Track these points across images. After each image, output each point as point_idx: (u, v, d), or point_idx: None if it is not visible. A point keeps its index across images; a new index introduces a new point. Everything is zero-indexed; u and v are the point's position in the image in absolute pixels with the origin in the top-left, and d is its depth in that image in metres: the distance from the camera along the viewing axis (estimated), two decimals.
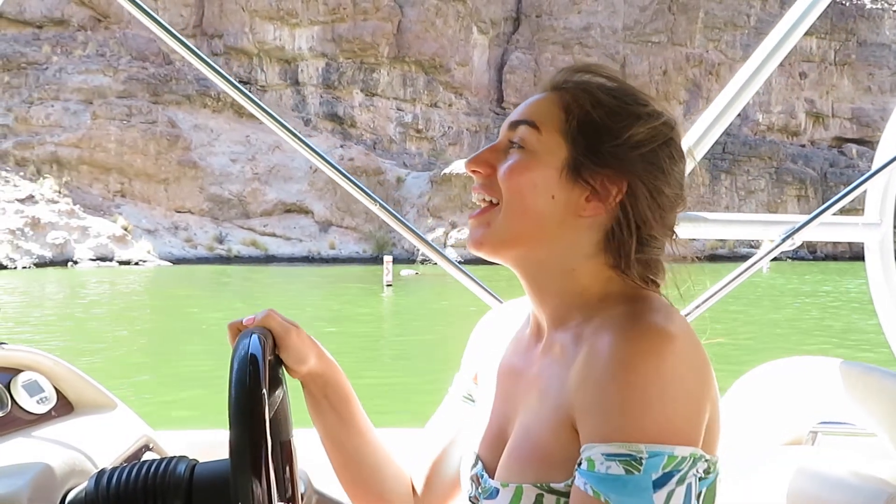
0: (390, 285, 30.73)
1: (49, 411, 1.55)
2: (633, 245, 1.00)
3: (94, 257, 46.98)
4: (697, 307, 1.98)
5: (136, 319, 21.47)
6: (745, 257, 2.13)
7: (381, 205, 1.96)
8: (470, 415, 1.21)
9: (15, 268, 42.85)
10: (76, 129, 53.08)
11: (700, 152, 1.95)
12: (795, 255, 51.23)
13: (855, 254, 46.68)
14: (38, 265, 44.12)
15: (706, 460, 0.89)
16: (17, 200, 47.58)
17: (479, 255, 1.06)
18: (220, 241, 53.23)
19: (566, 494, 0.91)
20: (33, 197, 48.50)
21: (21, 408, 1.48)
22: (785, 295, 30.11)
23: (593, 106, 1.01)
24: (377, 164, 58.27)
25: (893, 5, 75.74)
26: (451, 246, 49.30)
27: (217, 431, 1.80)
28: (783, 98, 73.20)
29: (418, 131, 65.84)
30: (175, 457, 1.04)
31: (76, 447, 1.37)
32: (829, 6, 2.03)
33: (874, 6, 75.31)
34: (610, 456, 0.84)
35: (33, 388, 1.54)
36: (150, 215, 52.83)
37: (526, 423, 1.00)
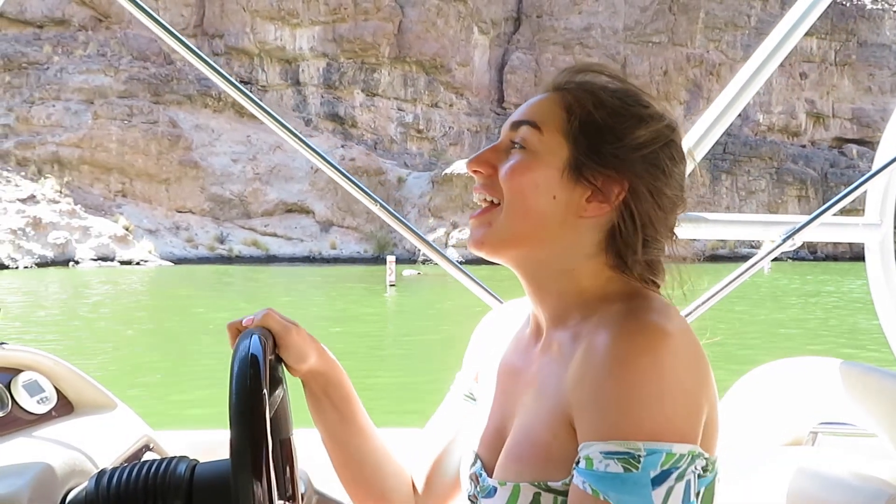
0: (394, 285, 30.76)
1: (49, 411, 1.55)
2: (633, 246, 1.01)
3: (96, 257, 46.99)
4: (698, 307, 1.99)
5: (143, 319, 21.52)
6: (745, 257, 2.13)
7: (381, 205, 1.96)
8: (471, 413, 1.21)
9: (17, 267, 42.86)
10: (77, 129, 53.10)
11: (701, 153, 1.95)
12: (796, 256, 51.25)
13: (855, 254, 46.66)
14: (39, 265, 44.13)
15: (705, 458, 0.89)
16: (19, 200, 47.61)
17: (480, 255, 1.06)
18: (222, 241, 53.24)
19: (563, 493, 0.91)
20: (34, 197, 48.53)
21: (21, 408, 1.48)
22: (789, 295, 30.18)
23: (595, 107, 1.01)
24: (378, 164, 58.29)
25: (894, 6, 75.70)
26: (453, 246, 49.31)
27: (217, 431, 1.80)
28: (784, 98, 73.17)
29: (419, 131, 65.83)
30: (175, 457, 1.04)
31: (76, 447, 1.37)
32: (829, 7, 2.04)
33: (874, 6, 75.28)
34: (608, 454, 0.84)
35: (33, 388, 1.54)
36: (151, 215, 52.85)
37: (524, 421, 1.00)
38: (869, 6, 75.06)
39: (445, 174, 54.20)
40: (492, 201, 1.05)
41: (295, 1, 61.88)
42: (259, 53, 62.11)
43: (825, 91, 74.33)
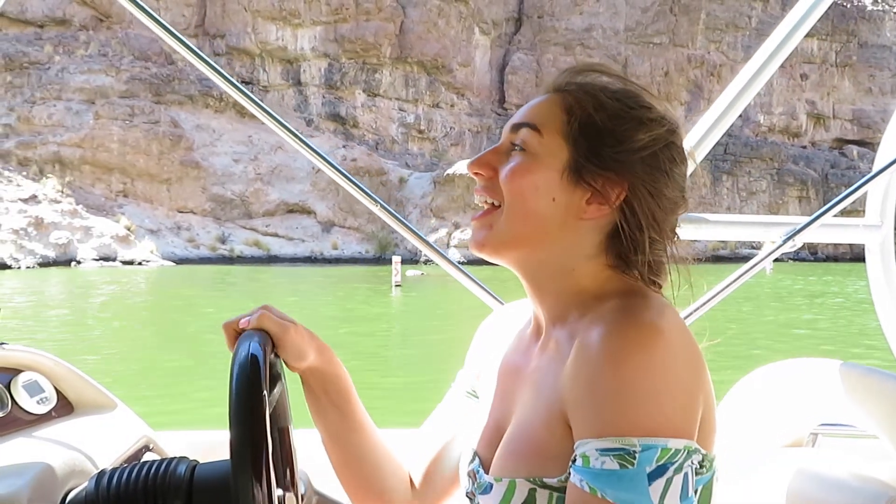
0: (399, 285, 30.80)
1: (49, 411, 1.55)
2: (633, 246, 1.01)
3: (98, 257, 47.03)
4: (700, 307, 1.99)
5: (156, 320, 21.58)
6: (746, 258, 2.13)
7: (381, 205, 1.96)
8: (472, 411, 1.21)
9: (19, 268, 42.90)
10: (79, 129, 53.15)
11: (701, 153, 1.95)
12: (797, 257, 51.30)
13: (855, 255, 46.64)
14: (41, 265, 44.17)
15: (701, 454, 0.89)
16: (21, 200, 47.64)
17: (482, 257, 1.07)
18: (223, 241, 53.27)
19: (559, 489, 0.92)
20: (36, 197, 48.57)
21: (21, 408, 1.48)
22: (794, 295, 30.23)
23: (595, 109, 1.01)
24: (380, 164, 58.32)
25: (894, 7, 75.69)
26: (455, 247, 49.31)
27: (217, 432, 1.81)
28: (784, 99, 73.17)
29: (420, 132, 65.85)
30: (175, 457, 1.04)
31: (76, 447, 1.37)
32: (829, 8, 2.04)
33: (875, 8, 75.28)
34: (604, 451, 0.84)
35: (33, 389, 1.54)
36: (152, 215, 52.88)
37: (521, 418, 1.01)
38: (869, 7, 75.05)
39: (447, 175, 54.21)
40: (493, 203, 1.05)
41: (296, 1, 61.91)
42: (260, 54, 62.15)
43: (826, 92, 74.33)
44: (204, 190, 54.97)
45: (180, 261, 49.08)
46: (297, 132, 1.90)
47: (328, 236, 55.38)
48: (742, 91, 1.97)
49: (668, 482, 0.84)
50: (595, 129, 1.00)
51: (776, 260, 2.13)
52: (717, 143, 2.04)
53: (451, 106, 66.85)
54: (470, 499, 1.07)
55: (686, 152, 1.07)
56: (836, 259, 58.99)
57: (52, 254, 45.52)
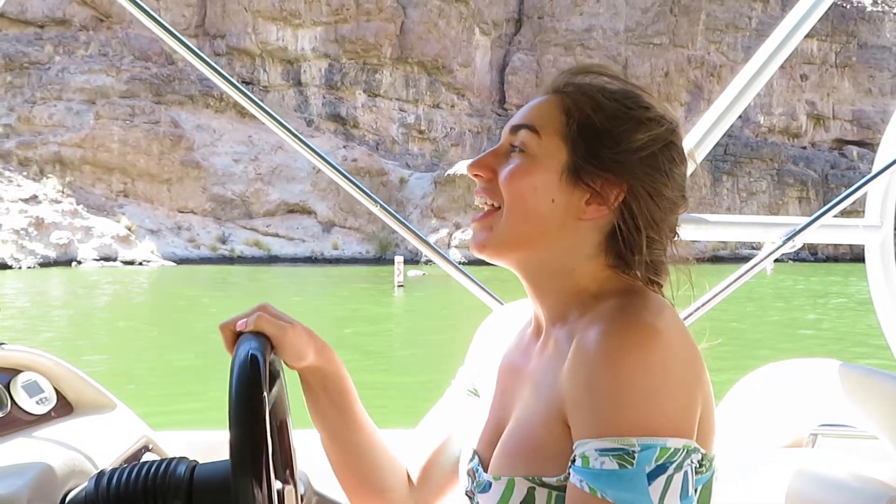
0: (402, 286, 30.84)
1: (49, 412, 1.55)
2: (634, 247, 1.01)
3: (98, 257, 47.00)
4: (700, 308, 1.99)
5: (162, 320, 21.59)
6: (746, 258, 2.13)
7: (381, 206, 1.96)
8: (473, 409, 1.21)
9: (20, 268, 42.86)
10: (79, 129, 53.13)
11: (701, 154, 1.95)
12: (797, 257, 51.26)
13: (855, 256, 46.61)
14: (42, 265, 44.14)
15: (701, 453, 0.89)
16: (21, 200, 47.63)
17: (483, 258, 1.07)
18: (223, 241, 53.26)
19: (558, 488, 0.92)
20: (37, 197, 48.55)
21: (21, 408, 1.48)
22: (797, 295, 30.27)
23: (594, 110, 1.01)
24: (380, 164, 58.31)
25: (894, 8, 75.66)
26: (455, 247, 49.30)
27: (217, 432, 1.80)
28: (784, 100, 73.13)
29: (421, 132, 65.83)
30: (175, 458, 1.04)
31: (76, 448, 1.37)
32: (829, 9, 2.04)
33: (875, 8, 75.24)
34: (603, 451, 0.84)
35: (33, 389, 1.54)
36: (153, 215, 52.87)
37: (520, 416, 1.01)
38: (869, 8, 75.02)
39: (448, 175, 54.18)
40: (493, 205, 1.06)
41: (297, 1, 61.89)
42: (261, 54, 62.13)
43: (826, 93, 74.30)
44: (204, 190, 54.96)
45: (181, 261, 49.07)
46: (297, 132, 1.90)
47: (328, 236, 55.37)
48: (742, 91, 1.97)
49: (668, 481, 0.84)
50: (593, 130, 1.01)
51: (776, 260, 2.12)
52: (717, 144, 2.04)
53: (452, 106, 66.83)
54: (469, 497, 1.08)
55: (686, 153, 1.07)
56: (836, 259, 58.95)
57: (52, 254, 45.50)
